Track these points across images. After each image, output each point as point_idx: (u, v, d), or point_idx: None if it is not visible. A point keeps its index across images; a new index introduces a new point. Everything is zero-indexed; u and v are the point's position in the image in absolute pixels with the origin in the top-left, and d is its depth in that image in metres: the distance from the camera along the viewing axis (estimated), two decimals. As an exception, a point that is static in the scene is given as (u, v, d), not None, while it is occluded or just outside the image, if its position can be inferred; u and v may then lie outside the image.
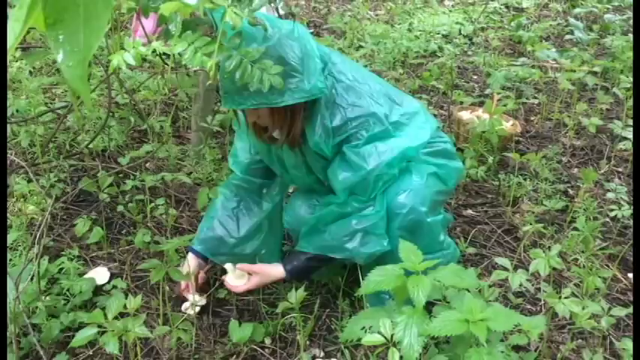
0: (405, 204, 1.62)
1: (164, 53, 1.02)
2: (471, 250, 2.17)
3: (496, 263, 1.79)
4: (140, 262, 2.00)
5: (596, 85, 3.24)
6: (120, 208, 2.23)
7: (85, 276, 1.94)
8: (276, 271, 1.75)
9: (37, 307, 1.71)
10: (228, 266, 1.82)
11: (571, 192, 2.54)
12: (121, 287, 1.91)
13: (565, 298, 1.54)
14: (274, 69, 1.14)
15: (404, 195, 1.63)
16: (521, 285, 1.63)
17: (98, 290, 1.91)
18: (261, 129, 1.68)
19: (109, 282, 1.95)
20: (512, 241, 2.26)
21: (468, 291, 1.49)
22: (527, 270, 1.65)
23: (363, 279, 1.61)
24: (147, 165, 2.55)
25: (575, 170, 2.73)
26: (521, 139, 2.96)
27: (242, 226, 1.90)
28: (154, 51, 0.99)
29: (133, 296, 1.52)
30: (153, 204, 2.22)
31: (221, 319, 1.86)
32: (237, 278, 1.80)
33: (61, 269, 1.90)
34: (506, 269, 1.65)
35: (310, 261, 1.72)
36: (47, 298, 1.78)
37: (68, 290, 1.82)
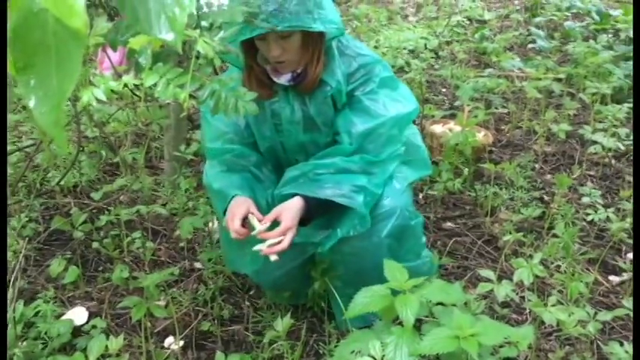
0: (394, 207, 1.66)
1: (135, 85, 1.00)
2: (453, 262, 2.17)
3: (479, 275, 1.79)
4: (119, 300, 1.94)
5: (562, 91, 3.30)
6: (95, 244, 2.17)
7: (63, 317, 1.88)
8: (292, 204, 1.59)
9: (14, 354, 1.65)
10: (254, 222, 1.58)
11: (546, 198, 2.57)
12: (100, 327, 1.84)
13: (551, 306, 1.55)
14: (248, 95, 1.13)
15: (389, 199, 1.67)
16: (506, 295, 1.63)
17: (77, 331, 1.85)
18: (263, 77, 1.63)
19: (87, 322, 1.89)
20: (493, 251, 2.27)
21: (455, 306, 1.48)
22: (511, 279, 1.65)
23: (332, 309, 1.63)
24: (121, 198, 2.50)
25: (549, 176, 2.76)
26: (494, 148, 2.99)
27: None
28: (126, 85, 0.96)
29: (114, 336, 1.48)
30: (129, 238, 2.17)
31: (206, 353, 1.82)
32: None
33: (38, 312, 1.84)
34: (490, 281, 1.65)
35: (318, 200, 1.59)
36: (24, 343, 1.71)
37: (46, 333, 1.76)
